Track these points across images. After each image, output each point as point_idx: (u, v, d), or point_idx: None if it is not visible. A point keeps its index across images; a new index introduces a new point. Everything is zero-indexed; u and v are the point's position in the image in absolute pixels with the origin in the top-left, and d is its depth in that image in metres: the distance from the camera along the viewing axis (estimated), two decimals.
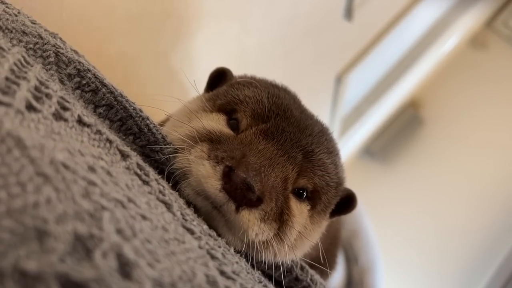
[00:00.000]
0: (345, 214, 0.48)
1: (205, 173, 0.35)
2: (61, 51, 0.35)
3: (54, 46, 0.35)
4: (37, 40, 0.35)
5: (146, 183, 0.29)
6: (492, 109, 2.23)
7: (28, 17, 0.38)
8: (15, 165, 0.19)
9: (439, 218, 2.09)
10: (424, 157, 2.25)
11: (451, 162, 2.20)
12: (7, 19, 0.35)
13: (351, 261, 1.03)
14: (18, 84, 0.25)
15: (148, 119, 0.36)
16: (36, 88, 0.27)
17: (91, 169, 0.23)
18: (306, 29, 1.14)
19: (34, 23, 0.37)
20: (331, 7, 1.20)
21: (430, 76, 2.28)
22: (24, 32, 0.35)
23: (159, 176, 0.33)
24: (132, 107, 0.35)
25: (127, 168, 0.29)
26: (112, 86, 0.35)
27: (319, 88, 1.47)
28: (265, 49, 1.05)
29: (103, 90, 0.34)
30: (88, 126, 0.29)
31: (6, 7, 0.37)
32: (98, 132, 0.29)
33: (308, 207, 0.42)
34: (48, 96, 0.27)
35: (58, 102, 0.28)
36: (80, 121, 0.28)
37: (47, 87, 0.28)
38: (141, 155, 0.35)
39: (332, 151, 0.43)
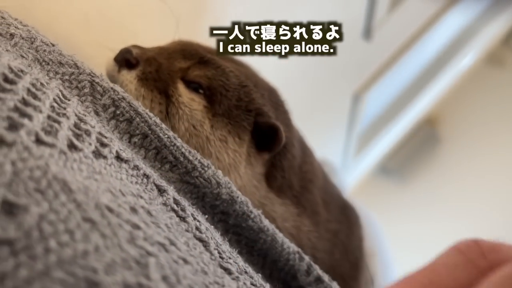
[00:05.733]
0: (273, 151, 0.43)
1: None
2: (96, 80, 0.35)
3: (89, 75, 0.35)
4: (73, 70, 0.35)
5: (183, 219, 0.29)
6: (510, 126, 2.19)
7: None
8: (63, 211, 0.19)
9: (458, 238, 2.04)
10: (441, 175, 2.21)
11: (468, 180, 2.15)
12: (44, 51, 0.35)
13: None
14: (59, 122, 0.25)
15: (182, 146, 0.35)
16: (76, 125, 0.27)
17: (133, 210, 0.23)
18: None
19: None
20: (350, 27, 1.20)
21: (447, 93, 2.26)
22: (60, 63, 0.35)
23: (194, 208, 0.32)
24: (166, 136, 0.34)
25: (164, 204, 0.29)
26: (147, 114, 0.35)
27: (335, 107, 1.46)
28: (281, 68, 1.05)
29: (137, 119, 0.34)
30: (126, 161, 0.29)
31: (43, 37, 0.37)
32: (136, 167, 0.29)
33: (203, 102, 0.41)
34: (87, 132, 0.27)
35: (97, 139, 0.27)
36: (118, 157, 0.28)
37: (85, 123, 0.28)
38: (180, 182, 0.34)
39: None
